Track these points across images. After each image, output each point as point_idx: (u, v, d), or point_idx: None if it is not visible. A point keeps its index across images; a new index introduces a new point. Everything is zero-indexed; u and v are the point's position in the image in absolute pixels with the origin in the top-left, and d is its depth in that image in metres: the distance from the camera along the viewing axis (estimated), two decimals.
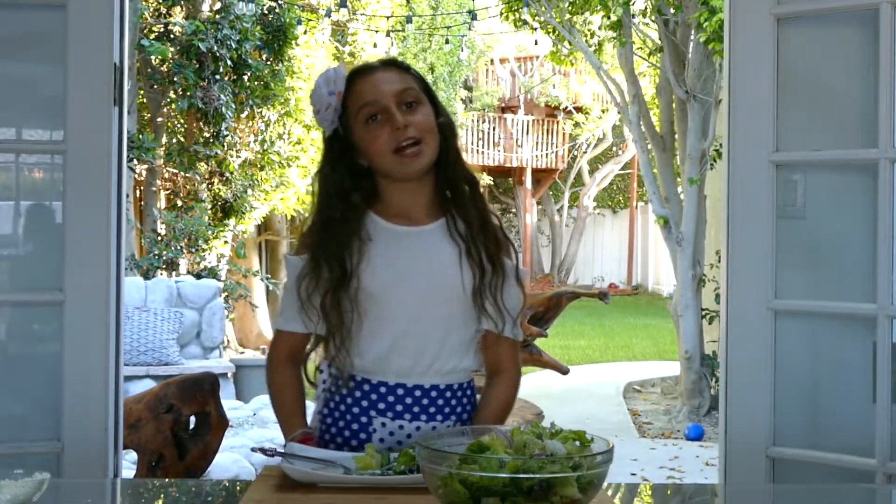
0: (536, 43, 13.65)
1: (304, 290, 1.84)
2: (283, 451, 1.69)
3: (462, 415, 1.89)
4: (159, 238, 9.36)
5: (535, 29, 10.16)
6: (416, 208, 1.88)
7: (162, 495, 1.87)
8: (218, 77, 9.45)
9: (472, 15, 14.06)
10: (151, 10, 9.92)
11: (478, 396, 1.96)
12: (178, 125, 10.53)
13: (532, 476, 1.27)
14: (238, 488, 1.79)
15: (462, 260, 1.84)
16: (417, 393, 1.84)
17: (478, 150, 19.77)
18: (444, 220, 1.88)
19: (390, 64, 1.90)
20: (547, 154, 20.44)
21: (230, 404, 6.61)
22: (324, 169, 1.90)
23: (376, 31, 12.88)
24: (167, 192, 10.52)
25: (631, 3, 8.33)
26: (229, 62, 9.48)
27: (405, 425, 1.83)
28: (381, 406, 1.84)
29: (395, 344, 1.84)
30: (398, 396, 1.83)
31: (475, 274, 1.83)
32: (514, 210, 21.85)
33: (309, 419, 1.95)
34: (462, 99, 18.75)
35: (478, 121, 20.02)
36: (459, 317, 1.86)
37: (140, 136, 8.57)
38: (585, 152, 20.67)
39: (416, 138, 1.81)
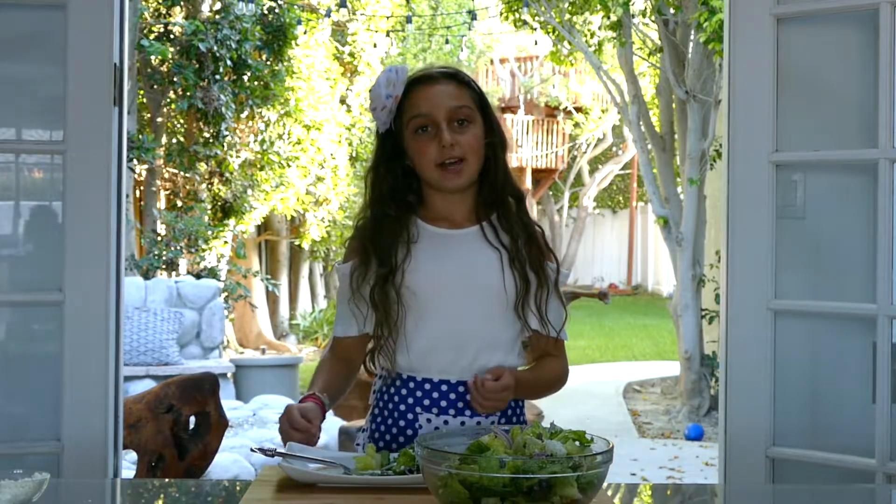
0: (536, 43, 13.66)
1: (354, 281, 1.91)
2: (283, 451, 1.69)
3: (506, 410, 1.91)
4: (159, 238, 9.36)
5: (535, 29, 10.16)
6: (457, 214, 1.94)
7: (162, 495, 1.88)
8: (218, 77, 9.44)
9: (472, 15, 14.06)
10: (151, 10, 9.92)
11: None
12: (178, 125, 10.53)
13: (532, 476, 1.28)
14: (238, 488, 1.79)
15: (504, 266, 1.89)
16: (461, 389, 1.88)
17: None
18: (479, 225, 1.93)
19: (451, 76, 1.93)
20: (547, 154, 20.44)
21: (230, 404, 6.62)
22: (378, 168, 1.95)
23: (376, 31, 12.88)
24: (167, 193, 10.53)
25: (631, 4, 8.33)
26: (229, 62, 9.48)
27: (450, 420, 1.87)
28: (427, 402, 1.88)
29: (437, 341, 1.88)
30: (442, 392, 1.88)
31: (518, 284, 1.89)
32: None
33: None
34: None
35: None
36: (501, 317, 1.90)
37: (140, 137, 8.57)
38: (585, 152, 20.65)
39: (460, 157, 1.87)
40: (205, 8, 9.96)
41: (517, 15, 9.95)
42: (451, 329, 1.88)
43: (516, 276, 1.89)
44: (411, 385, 1.90)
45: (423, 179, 1.93)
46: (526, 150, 20.12)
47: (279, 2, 10.43)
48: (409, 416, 1.89)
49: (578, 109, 20.00)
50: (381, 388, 1.96)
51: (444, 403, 1.87)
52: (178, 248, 9.20)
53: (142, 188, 10.61)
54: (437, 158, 1.86)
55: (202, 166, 9.91)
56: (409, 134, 1.89)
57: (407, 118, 1.89)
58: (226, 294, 9.30)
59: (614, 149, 20.86)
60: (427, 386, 1.88)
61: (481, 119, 1.91)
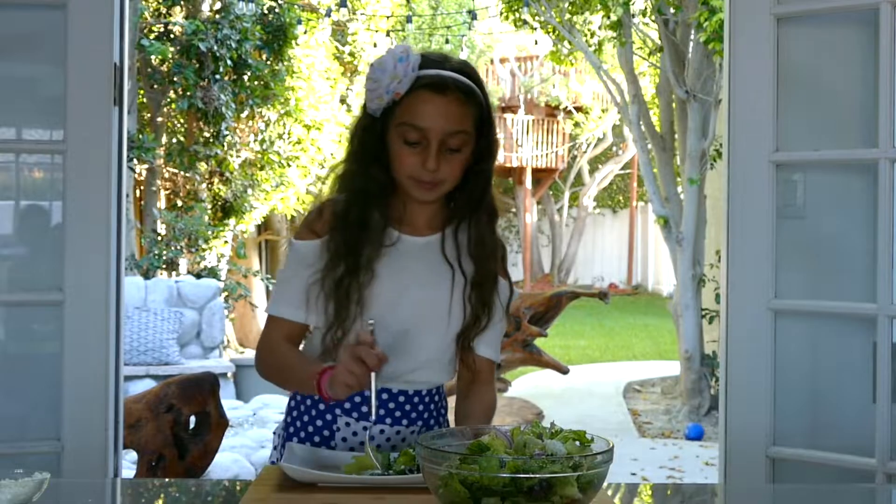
0: (536, 43, 13.66)
1: (318, 265, 1.80)
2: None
3: (429, 420, 1.87)
4: (159, 238, 9.36)
5: (535, 29, 10.16)
6: (420, 218, 1.86)
7: (162, 495, 1.88)
8: (218, 77, 9.44)
9: (472, 15, 14.07)
10: (151, 9, 9.92)
11: (450, 400, 1.94)
12: (178, 125, 10.53)
13: (532, 476, 1.27)
14: (238, 488, 1.79)
15: (455, 289, 1.83)
16: (384, 396, 1.83)
17: None
18: (440, 234, 1.86)
19: (460, 89, 1.78)
20: (547, 154, 20.44)
21: (230, 404, 6.62)
22: (355, 160, 1.84)
23: (376, 31, 12.88)
24: (167, 192, 10.53)
25: (631, 3, 8.34)
26: (229, 62, 9.48)
27: (369, 427, 1.82)
28: (347, 406, 1.84)
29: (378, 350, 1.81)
30: (364, 398, 1.82)
31: (466, 315, 1.83)
32: (514, 210, 21.86)
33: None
34: None
35: None
36: (443, 339, 1.85)
37: (140, 136, 8.58)
38: (585, 152, 20.67)
39: (439, 182, 1.79)
40: (205, 8, 9.96)
41: (517, 14, 9.95)
42: (393, 341, 1.79)
43: (466, 307, 1.83)
44: None
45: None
46: (526, 150, 20.13)
47: (279, 1, 10.43)
48: (328, 416, 1.84)
49: (578, 109, 20.02)
50: None
51: (364, 409, 1.82)
52: (179, 247, 9.21)
53: (142, 188, 10.61)
54: (414, 173, 1.78)
55: (202, 166, 9.91)
56: (397, 136, 1.78)
57: (399, 120, 1.77)
58: (226, 294, 9.30)
59: (614, 148, 20.87)
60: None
61: (475, 138, 1.81)
